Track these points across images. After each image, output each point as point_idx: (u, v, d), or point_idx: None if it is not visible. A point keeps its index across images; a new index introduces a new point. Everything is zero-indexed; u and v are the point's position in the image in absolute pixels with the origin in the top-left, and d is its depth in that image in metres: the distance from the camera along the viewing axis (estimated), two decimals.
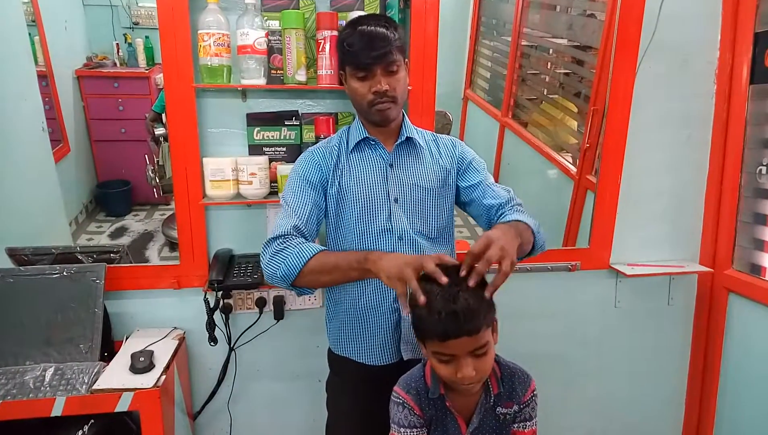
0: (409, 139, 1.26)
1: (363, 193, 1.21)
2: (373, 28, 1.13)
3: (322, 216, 1.23)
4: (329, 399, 1.37)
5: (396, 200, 1.22)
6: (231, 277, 1.52)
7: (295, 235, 1.13)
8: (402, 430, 1.06)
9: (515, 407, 1.08)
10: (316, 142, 1.56)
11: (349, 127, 1.29)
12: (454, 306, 0.90)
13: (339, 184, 1.22)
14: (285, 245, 1.10)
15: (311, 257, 1.08)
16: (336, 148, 1.25)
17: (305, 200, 1.18)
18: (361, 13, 1.47)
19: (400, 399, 1.07)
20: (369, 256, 1.04)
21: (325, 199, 1.22)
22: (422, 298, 0.91)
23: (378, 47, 1.12)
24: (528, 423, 1.09)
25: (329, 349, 1.35)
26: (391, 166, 1.24)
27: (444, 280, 0.92)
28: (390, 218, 1.21)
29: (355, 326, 1.26)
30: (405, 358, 1.25)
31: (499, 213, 1.24)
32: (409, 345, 1.24)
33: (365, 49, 1.12)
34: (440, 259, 0.95)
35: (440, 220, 1.27)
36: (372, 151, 1.25)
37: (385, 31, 1.13)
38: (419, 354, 1.24)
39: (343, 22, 1.47)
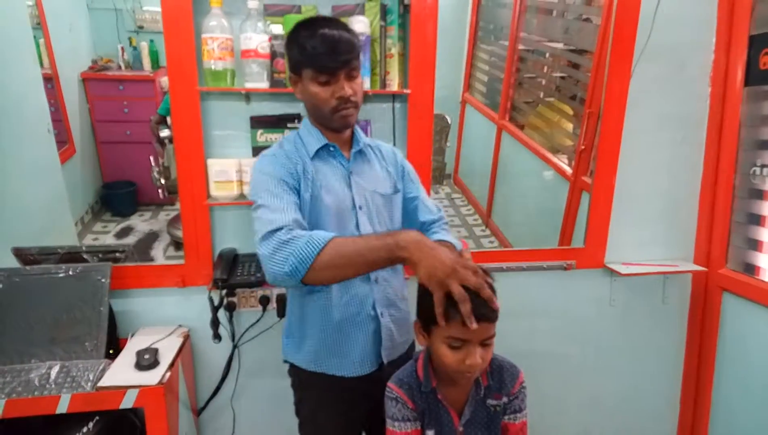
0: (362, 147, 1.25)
1: (333, 202, 1.17)
2: (337, 32, 1.09)
3: None
4: (305, 421, 1.32)
5: (360, 208, 1.20)
6: (235, 275, 1.55)
7: (297, 228, 1.03)
8: (397, 423, 1.09)
9: (504, 399, 1.10)
10: None
11: (298, 133, 1.22)
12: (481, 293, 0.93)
13: (312, 192, 1.15)
14: (290, 236, 0.99)
15: (325, 245, 0.96)
16: (294, 154, 1.18)
17: (289, 200, 1.09)
18: (362, 18, 1.50)
19: (393, 394, 1.10)
20: (400, 242, 0.96)
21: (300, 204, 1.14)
22: (474, 325, 0.91)
23: (344, 52, 1.09)
24: (518, 415, 1.11)
25: (295, 369, 1.28)
26: (351, 173, 1.21)
27: (496, 306, 0.95)
28: (358, 226, 1.19)
29: (333, 341, 1.21)
30: (386, 362, 1.24)
31: (430, 229, 1.28)
32: (388, 350, 1.24)
33: (331, 54, 1.08)
34: (478, 275, 0.94)
35: (396, 225, 1.28)
36: (332, 159, 1.21)
37: (349, 36, 1.11)
38: (398, 354, 1.27)
39: None
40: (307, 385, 1.28)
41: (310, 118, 1.22)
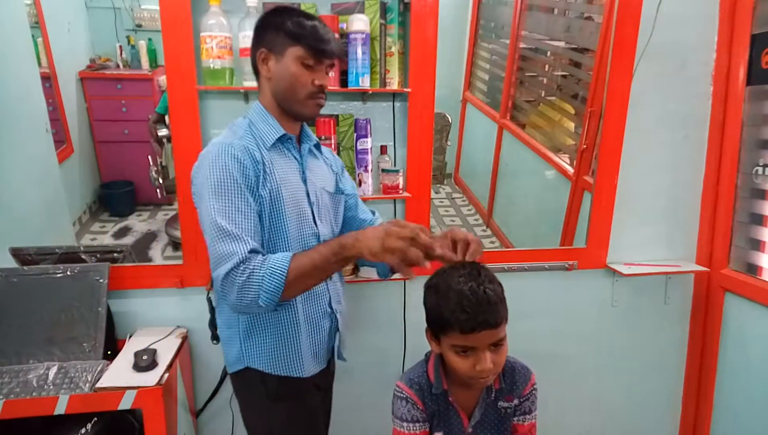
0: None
1: (291, 196, 1.14)
2: (329, 29, 1.14)
3: None
4: (258, 425, 1.25)
5: (314, 204, 1.19)
6: None
7: (252, 258, 1.01)
8: (405, 424, 1.07)
9: (516, 401, 1.10)
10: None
11: (251, 121, 1.16)
12: (481, 299, 0.92)
13: (271, 186, 1.10)
14: (250, 270, 0.99)
15: (287, 270, 0.99)
16: (253, 144, 1.11)
17: (249, 211, 1.06)
18: (362, 16, 1.49)
19: (403, 394, 1.09)
20: (343, 243, 1.01)
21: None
22: (427, 264, 0.95)
23: (337, 44, 1.14)
24: (528, 416, 1.11)
25: (260, 376, 1.19)
26: (304, 167, 1.20)
27: (455, 258, 1.00)
28: (315, 222, 1.18)
29: (293, 340, 1.17)
30: (339, 358, 1.28)
31: (373, 225, 1.30)
32: (341, 344, 1.28)
33: (330, 42, 1.11)
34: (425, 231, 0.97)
35: (339, 224, 1.29)
36: (288, 151, 1.18)
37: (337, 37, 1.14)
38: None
39: (344, 25, 1.50)
40: (276, 396, 1.20)
41: (267, 103, 1.17)
